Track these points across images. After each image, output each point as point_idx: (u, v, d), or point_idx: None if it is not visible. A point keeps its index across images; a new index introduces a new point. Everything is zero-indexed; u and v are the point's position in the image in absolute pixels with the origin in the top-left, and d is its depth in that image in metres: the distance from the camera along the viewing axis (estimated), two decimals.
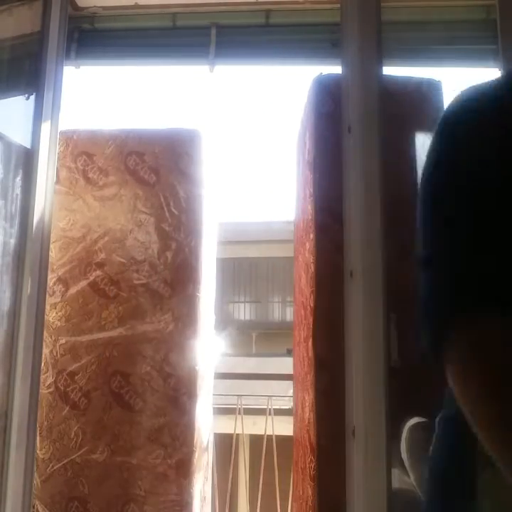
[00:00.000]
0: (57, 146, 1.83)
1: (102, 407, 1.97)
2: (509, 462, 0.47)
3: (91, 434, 1.97)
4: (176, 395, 1.97)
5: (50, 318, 2.03)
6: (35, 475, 1.85)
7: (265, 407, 3.50)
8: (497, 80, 0.60)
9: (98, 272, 2.05)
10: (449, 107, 0.58)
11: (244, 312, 12.71)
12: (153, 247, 2.05)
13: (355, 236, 1.39)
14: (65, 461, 1.96)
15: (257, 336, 12.13)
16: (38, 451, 1.90)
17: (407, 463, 1.43)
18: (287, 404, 4.08)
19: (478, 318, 0.47)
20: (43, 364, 1.84)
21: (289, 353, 2.34)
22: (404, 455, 1.43)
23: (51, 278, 2.02)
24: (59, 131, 1.84)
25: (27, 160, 1.74)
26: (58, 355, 2.02)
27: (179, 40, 2.17)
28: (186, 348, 2.00)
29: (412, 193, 1.61)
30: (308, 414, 1.59)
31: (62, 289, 2.06)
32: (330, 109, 1.60)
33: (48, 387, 2.00)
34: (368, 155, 1.41)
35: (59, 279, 2.06)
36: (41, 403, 1.84)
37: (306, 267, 1.69)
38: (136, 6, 2.10)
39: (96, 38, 2.19)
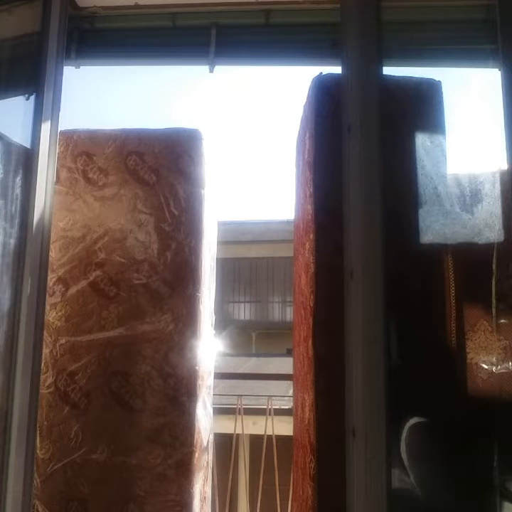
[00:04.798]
0: (57, 146, 1.83)
1: (102, 407, 1.98)
2: None
3: (91, 434, 1.97)
4: (176, 395, 1.97)
5: (50, 318, 2.03)
6: (35, 475, 1.85)
7: (265, 407, 3.50)
8: None
9: (98, 272, 2.05)
10: None
11: (244, 312, 12.73)
12: (153, 247, 2.05)
13: (355, 236, 1.39)
14: (65, 461, 1.96)
15: (257, 336, 12.13)
16: (38, 451, 1.90)
17: (407, 463, 1.43)
18: (287, 404, 4.09)
19: None
20: (43, 364, 1.84)
21: (289, 353, 2.34)
22: (404, 455, 1.43)
23: (51, 278, 2.02)
24: (59, 131, 1.83)
25: (27, 160, 1.74)
26: (58, 355, 2.02)
27: (179, 40, 2.16)
28: (186, 348, 2.00)
29: (412, 192, 1.62)
30: (308, 414, 1.59)
31: (62, 289, 2.06)
32: (330, 109, 1.60)
33: (48, 387, 2.00)
34: (368, 155, 1.41)
35: (59, 279, 2.06)
36: (41, 403, 1.84)
37: (306, 267, 1.69)
38: (136, 6, 2.09)
39: (96, 38, 2.18)
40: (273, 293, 12.46)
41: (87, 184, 2.12)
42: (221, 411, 3.47)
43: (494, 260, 1.50)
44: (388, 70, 1.56)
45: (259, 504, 3.23)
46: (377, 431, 1.28)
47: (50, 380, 2.01)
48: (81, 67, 2.17)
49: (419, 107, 1.65)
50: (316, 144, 1.62)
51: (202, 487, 2.08)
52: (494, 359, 1.48)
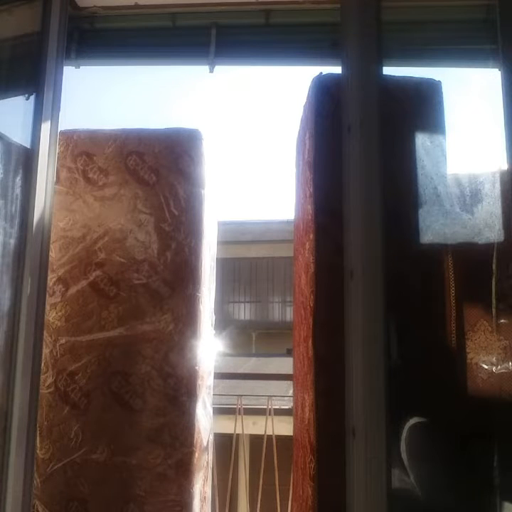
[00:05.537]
0: (57, 146, 1.83)
1: (102, 407, 1.97)
2: None
3: (91, 434, 1.97)
4: (176, 395, 1.97)
5: (50, 318, 2.03)
6: (35, 475, 1.85)
7: (265, 407, 3.50)
8: None
9: (98, 272, 2.05)
10: None
11: (244, 312, 12.73)
12: (153, 247, 2.05)
13: (355, 236, 1.39)
14: (65, 461, 1.96)
15: (257, 336, 12.14)
16: (38, 451, 1.90)
17: (407, 463, 1.43)
18: (287, 404, 4.09)
19: None
20: (43, 364, 1.84)
21: (289, 353, 2.34)
22: (404, 455, 1.43)
23: (51, 278, 2.02)
24: (59, 131, 1.83)
25: (27, 160, 1.74)
26: (58, 355, 2.02)
27: (179, 40, 2.16)
28: (186, 348, 2.00)
29: (412, 192, 1.62)
30: (308, 414, 1.59)
31: (62, 289, 2.06)
32: (330, 109, 1.60)
33: (48, 387, 2.00)
34: (368, 155, 1.41)
35: (59, 279, 2.06)
36: (41, 403, 1.84)
37: (306, 267, 1.69)
38: (136, 6, 2.09)
39: (96, 38, 2.18)
40: (273, 293, 12.45)
41: (87, 184, 2.12)
42: (221, 411, 3.47)
43: (494, 260, 1.50)
44: (388, 70, 1.56)
45: (259, 504, 3.23)
46: (377, 431, 1.28)
47: (50, 380, 2.01)
48: (81, 67, 2.17)
49: (419, 107, 1.65)
50: (316, 144, 1.62)
51: (202, 487, 2.08)
52: (494, 359, 1.48)
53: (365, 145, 1.41)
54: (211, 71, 2.12)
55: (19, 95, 1.93)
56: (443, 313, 1.52)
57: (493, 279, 1.49)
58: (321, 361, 1.51)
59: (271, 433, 3.35)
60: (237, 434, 3.45)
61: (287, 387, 4.17)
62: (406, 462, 1.43)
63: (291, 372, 2.10)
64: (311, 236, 1.60)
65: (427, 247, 1.58)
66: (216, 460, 2.92)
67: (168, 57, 2.23)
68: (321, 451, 1.47)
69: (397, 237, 1.47)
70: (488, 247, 1.53)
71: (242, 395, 3.53)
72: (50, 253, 1.89)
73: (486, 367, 1.48)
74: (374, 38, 1.46)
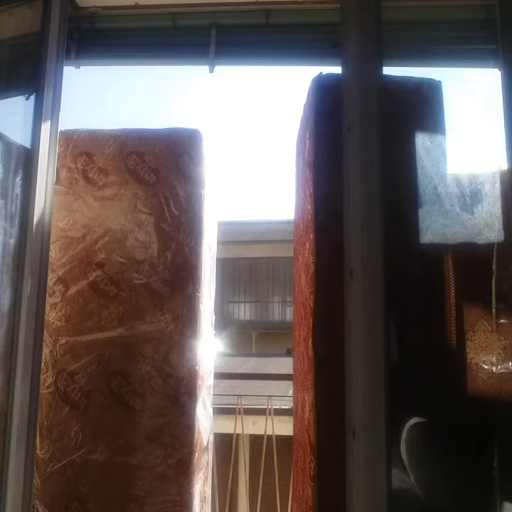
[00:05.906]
0: (57, 146, 1.83)
1: (102, 407, 1.98)
2: None
3: (91, 434, 1.97)
4: (176, 395, 1.97)
5: (50, 318, 2.03)
6: (35, 475, 1.85)
7: (265, 407, 3.50)
8: None
9: (98, 272, 2.05)
10: None
11: (244, 312, 12.72)
12: (153, 247, 2.05)
13: (355, 236, 1.39)
14: (65, 461, 1.96)
15: (257, 336, 12.14)
16: (38, 451, 1.90)
17: (407, 463, 1.43)
18: (287, 404, 4.09)
19: None
20: (43, 364, 1.84)
21: (289, 353, 2.34)
22: (404, 455, 1.43)
23: (51, 278, 2.02)
24: (59, 131, 1.83)
25: (27, 160, 1.74)
26: (58, 355, 2.02)
27: (179, 40, 2.16)
28: (186, 348, 2.00)
29: (412, 192, 1.62)
30: (308, 414, 1.59)
31: (62, 289, 2.06)
32: (330, 109, 1.60)
33: (48, 387, 2.00)
34: (368, 155, 1.41)
35: (59, 279, 2.06)
36: (41, 403, 1.84)
37: (306, 267, 1.69)
38: (136, 6, 2.09)
39: (96, 38, 2.18)
40: (273, 293, 12.45)
41: (87, 184, 2.12)
42: (221, 411, 3.47)
43: (494, 260, 1.50)
44: (388, 70, 1.56)
45: (259, 504, 3.23)
46: (377, 431, 1.28)
47: (50, 380, 2.01)
48: (81, 67, 2.18)
49: (419, 107, 1.65)
50: (316, 144, 1.62)
51: (202, 487, 2.08)
52: (494, 359, 1.48)
53: (365, 145, 1.41)
54: (211, 71, 2.12)
55: (19, 95, 1.93)
56: (443, 313, 1.52)
57: (493, 279, 1.49)
58: (321, 361, 1.51)
59: (271, 433, 3.35)
60: (237, 434, 3.45)
61: (287, 387, 4.17)
62: (406, 462, 1.44)
63: (291, 372, 2.10)
64: (311, 236, 1.60)
65: (427, 247, 1.58)
66: (216, 460, 2.92)
67: (168, 57, 2.23)
68: (321, 451, 1.47)
69: (397, 237, 1.47)
70: (488, 247, 1.53)
71: (242, 395, 3.53)
72: (50, 253, 1.89)
73: (486, 367, 1.48)
74: (374, 38, 1.46)
